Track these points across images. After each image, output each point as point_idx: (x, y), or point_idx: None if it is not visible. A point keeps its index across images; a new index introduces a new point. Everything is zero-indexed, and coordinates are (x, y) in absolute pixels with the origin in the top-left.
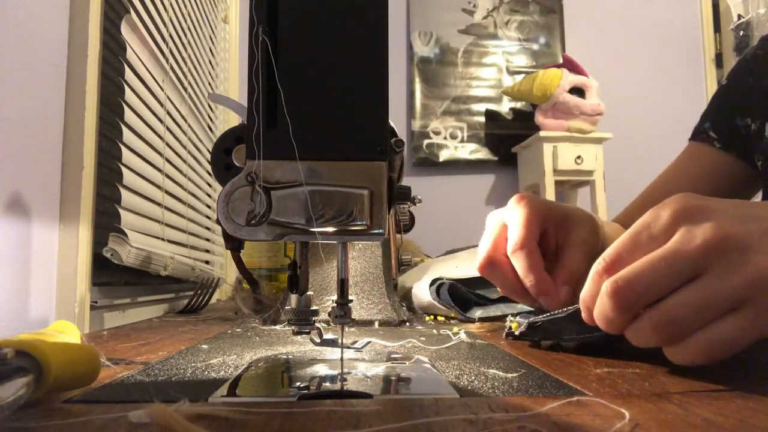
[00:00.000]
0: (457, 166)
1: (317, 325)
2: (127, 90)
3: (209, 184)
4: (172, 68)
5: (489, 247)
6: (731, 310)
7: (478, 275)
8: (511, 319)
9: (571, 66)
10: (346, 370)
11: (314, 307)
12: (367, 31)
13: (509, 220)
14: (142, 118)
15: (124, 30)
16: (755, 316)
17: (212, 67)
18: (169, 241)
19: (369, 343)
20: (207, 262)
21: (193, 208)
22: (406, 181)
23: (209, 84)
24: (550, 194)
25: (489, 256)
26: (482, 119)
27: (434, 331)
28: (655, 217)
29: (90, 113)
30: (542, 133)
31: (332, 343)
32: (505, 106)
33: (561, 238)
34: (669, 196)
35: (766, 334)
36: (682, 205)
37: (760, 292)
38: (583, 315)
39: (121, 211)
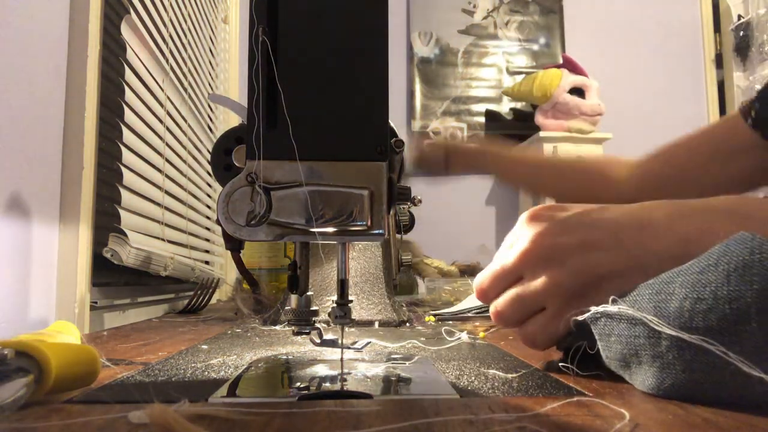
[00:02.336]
0: None
1: (317, 325)
2: (127, 90)
3: (209, 185)
4: (172, 68)
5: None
6: (541, 309)
7: None
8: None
9: (571, 66)
10: (346, 371)
11: (314, 308)
12: (367, 32)
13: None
14: (142, 118)
15: (124, 30)
16: (551, 317)
17: (212, 67)
18: (169, 242)
19: (369, 343)
20: (207, 263)
21: (193, 209)
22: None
23: (209, 84)
24: None
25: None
26: (482, 120)
27: (434, 331)
28: (513, 229)
29: (90, 113)
30: (542, 134)
31: (332, 343)
32: (505, 107)
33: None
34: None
35: (561, 334)
36: (528, 215)
37: (552, 299)
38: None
39: (121, 212)
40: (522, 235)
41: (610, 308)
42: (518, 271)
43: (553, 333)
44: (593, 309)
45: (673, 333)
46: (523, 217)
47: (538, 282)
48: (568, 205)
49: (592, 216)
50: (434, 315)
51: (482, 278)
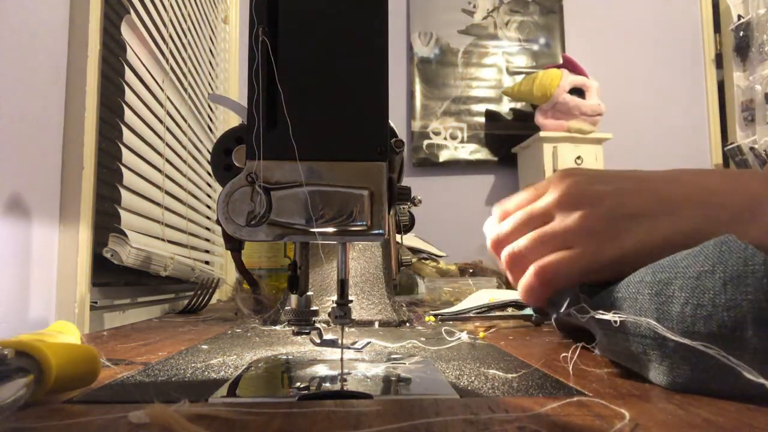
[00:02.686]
0: (457, 166)
1: (317, 325)
2: (127, 90)
3: (209, 185)
4: (172, 69)
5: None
6: (564, 248)
7: None
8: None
9: (571, 66)
10: (346, 371)
11: (314, 308)
12: (367, 32)
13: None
14: (142, 118)
15: (124, 30)
16: (576, 255)
17: (212, 67)
18: (169, 242)
19: (369, 343)
20: (207, 263)
21: (193, 209)
22: (406, 182)
23: (209, 84)
24: None
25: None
26: (482, 120)
27: (434, 331)
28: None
29: (90, 113)
30: (542, 134)
31: (332, 343)
32: (505, 107)
33: None
34: None
35: (586, 275)
36: (560, 172)
37: (581, 238)
38: None
39: (121, 212)
40: (554, 185)
41: (619, 316)
42: (550, 213)
43: (573, 273)
44: (599, 315)
45: (678, 340)
46: (555, 174)
47: (569, 220)
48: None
49: (626, 172)
50: (434, 315)
51: (501, 227)
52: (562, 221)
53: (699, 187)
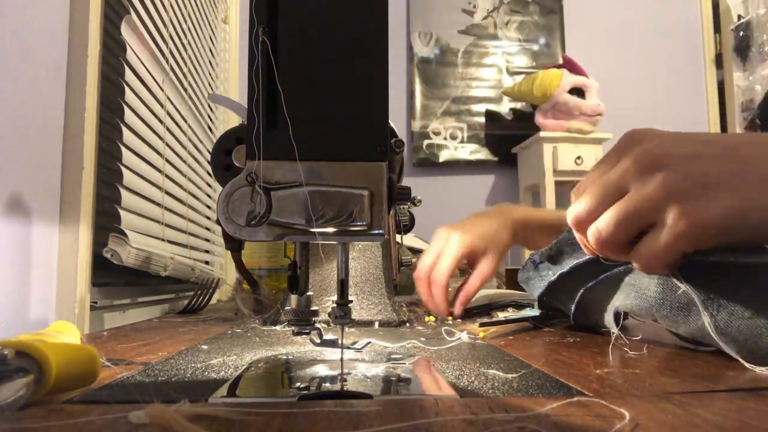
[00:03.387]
0: (457, 166)
1: (317, 325)
2: (127, 90)
3: (209, 185)
4: (172, 69)
5: (426, 269)
6: (655, 224)
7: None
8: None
9: (571, 66)
10: (346, 371)
11: (314, 308)
12: (367, 32)
13: (443, 251)
14: (142, 118)
15: (124, 30)
16: (665, 232)
17: (212, 67)
18: (169, 242)
19: (369, 343)
20: (207, 263)
21: (193, 209)
22: (406, 182)
23: (209, 84)
24: (550, 195)
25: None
26: (482, 120)
27: (434, 331)
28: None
29: (90, 114)
30: (542, 134)
31: (332, 343)
32: (505, 107)
33: (474, 264)
34: None
35: (683, 249)
36: (624, 135)
37: (664, 206)
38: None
39: (121, 212)
40: (625, 151)
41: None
42: (625, 182)
43: (671, 248)
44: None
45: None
46: (624, 137)
47: (648, 189)
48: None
49: (702, 135)
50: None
51: (581, 204)
52: (639, 191)
53: None
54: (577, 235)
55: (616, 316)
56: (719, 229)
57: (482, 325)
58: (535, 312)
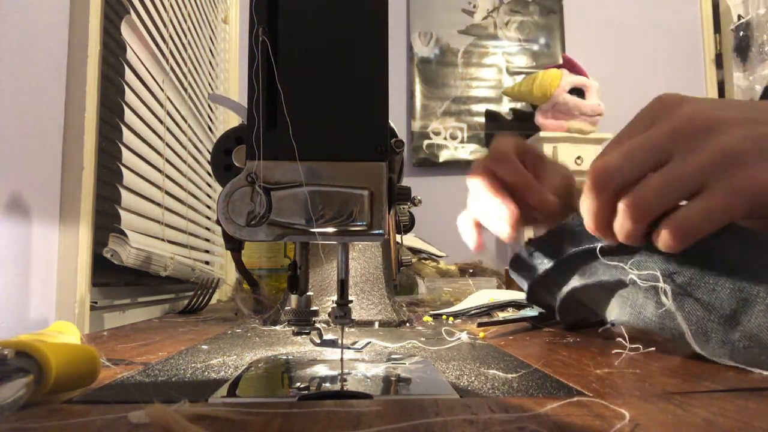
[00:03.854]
0: (457, 166)
1: (317, 325)
2: (127, 90)
3: (209, 185)
4: (172, 69)
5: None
6: (697, 193)
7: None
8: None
9: (571, 66)
10: (346, 371)
11: (314, 308)
12: (367, 32)
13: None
14: (142, 118)
15: (124, 30)
16: (716, 196)
17: (212, 67)
18: (169, 242)
19: (369, 343)
20: (207, 263)
21: (193, 209)
22: (406, 182)
23: (209, 84)
24: None
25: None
26: (482, 120)
27: (434, 331)
28: (640, 112)
29: (90, 113)
30: (542, 134)
31: (332, 343)
32: (505, 107)
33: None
34: None
35: (733, 217)
36: (660, 97)
37: (716, 171)
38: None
39: (121, 212)
40: (665, 114)
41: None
42: (668, 148)
43: (719, 216)
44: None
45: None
46: (659, 99)
47: (699, 156)
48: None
49: (740, 101)
50: (447, 314)
51: (610, 157)
52: (690, 157)
53: None
54: (588, 198)
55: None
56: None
57: (480, 325)
58: (533, 312)
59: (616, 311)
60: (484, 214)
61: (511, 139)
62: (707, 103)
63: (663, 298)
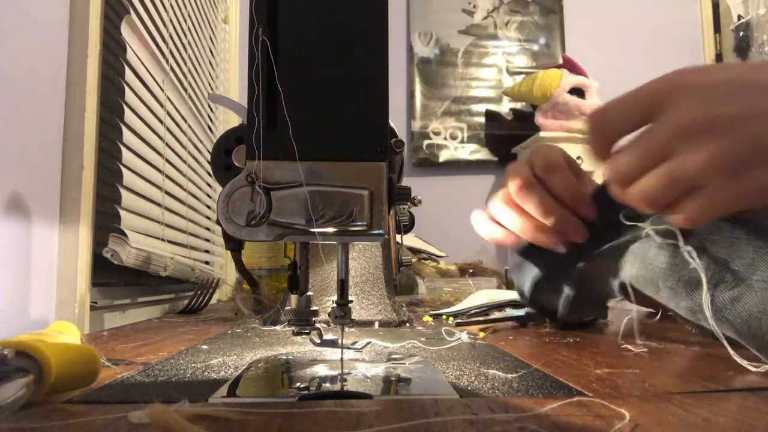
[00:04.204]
0: (457, 166)
1: (317, 325)
2: (127, 90)
3: (209, 185)
4: (172, 69)
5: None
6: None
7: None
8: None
9: (571, 66)
10: (346, 371)
11: (314, 308)
12: (367, 32)
13: (533, 155)
14: (142, 118)
15: (124, 30)
16: (714, 194)
17: (212, 67)
18: (169, 242)
19: (369, 343)
20: (207, 263)
21: (193, 209)
22: (406, 182)
23: (209, 84)
24: None
25: (524, 178)
26: (482, 120)
27: (434, 331)
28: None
29: (90, 113)
30: (542, 134)
31: (332, 343)
32: (505, 107)
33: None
34: None
35: (744, 206)
36: (656, 89)
37: (714, 174)
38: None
39: (121, 212)
40: (672, 105)
41: None
42: (671, 146)
43: (718, 210)
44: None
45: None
46: (662, 86)
47: (698, 156)
48: (717, 66)
49: (754, 77)
50: (447, 314)
51: (623, 160)
52: (688, 156)
53: None
54: (618, 191)
55: (622, 288)
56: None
57: (459, 324)
58: (519, 312)
59: (626, 269)
60: (511, 220)
61: (558, 148)
62: (710, 98)
63: (680, 243)
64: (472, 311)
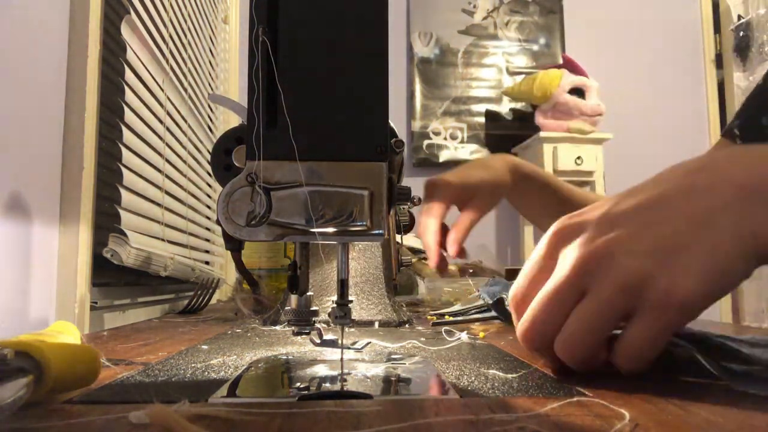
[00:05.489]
0: (457, 166)
1: (317, 325)
2: (127, 91)
3: (209, 185)
4: (172, 69)
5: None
6: (630, 317)
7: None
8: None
9: (571, 66)
10: (346, 371)
11: (314, 308)
12: (367, 32)
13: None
14: (142, 118)
15: (124, 30)
16: (649, 318)
17: (212, 67)
18: (169, 242)
19: (369, 343)
20: (207, 263)
21: (193, 209)
22: (406, 182)
23: (209, 84)
24: None
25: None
26: (482, 120)
27: (434, 331)
28: (538, 247)
29: (90, 113)
30: (542, 134)
31: (332, 343)
32: (505, 107)
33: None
34: None
35: (671, 333)
36: (556, 229)
37: (639, 294)
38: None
39: (121, 212)
40: (565, 250)
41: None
42: (579, 283)
43: (662, 338)
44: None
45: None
46: (548, 236)
47: (604, 292)
48: (583, 210)
49: (625, 204)
50: (448, 314)
51: (530, 317)
52: (600, 289)
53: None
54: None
55: None
56: (704, 297)
57: (434, 324)
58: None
59: None
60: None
61: (437, 201)
62: (596, 226)
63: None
64: (472, 311)
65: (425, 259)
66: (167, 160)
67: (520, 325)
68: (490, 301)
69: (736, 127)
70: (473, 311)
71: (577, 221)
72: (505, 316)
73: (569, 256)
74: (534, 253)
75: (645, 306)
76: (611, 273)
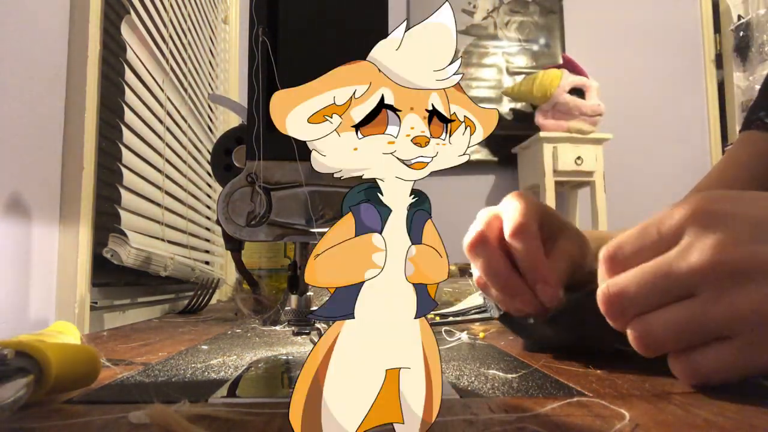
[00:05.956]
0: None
1: (317, 325)
2: (127, 91)
3: (209, 185)
4: (172, 69)
5: (482, 227)
6: (721, 338)
7: None
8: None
9: (571, 67)
10: None
11: (314, 308)
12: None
13: (506, 210)
14: (142, 118)
15: (124, 30)
16: (741, 349)
17: (212, 67)
18: (169, 242)
19: None
20: (207, 263)
21: (193, 209)
22: None
23: (209, 84)
24: (550, 195)
25: (482, 233)
26: None
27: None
28: (669, 215)
29: (90, 114)
30: (542, 134)
31: None
32: (505, 107)
33: (549, 243)
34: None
35: (755, 371)
36: (697, 209)
37: (745, 328)
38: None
39: (121, 212)
40: (697, 238)
41: None
42: (692, 286)
43: (742, 368)
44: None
45: None
46: (687, 213)
47: (724, 306)
48: (741, 193)
49: None
50: (448, 314)
51: (623, 285)
52: (712, 304)
53: None
54: (607, 317)
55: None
56: None
57: (434, 324)
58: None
59: None
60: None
61: (535, 202)
62: (740, 233)
63: None
64: (472, 312)
65: None
66: (167, 160)
67: (610, 286)
68: (497, 315)
69: (765, 117)
70: (473, 311)
71: (723, 210)
72: (514, 328)
73: (701, 250)
74: (660, 221)
75: (743, 339)
76: (738, 297)
